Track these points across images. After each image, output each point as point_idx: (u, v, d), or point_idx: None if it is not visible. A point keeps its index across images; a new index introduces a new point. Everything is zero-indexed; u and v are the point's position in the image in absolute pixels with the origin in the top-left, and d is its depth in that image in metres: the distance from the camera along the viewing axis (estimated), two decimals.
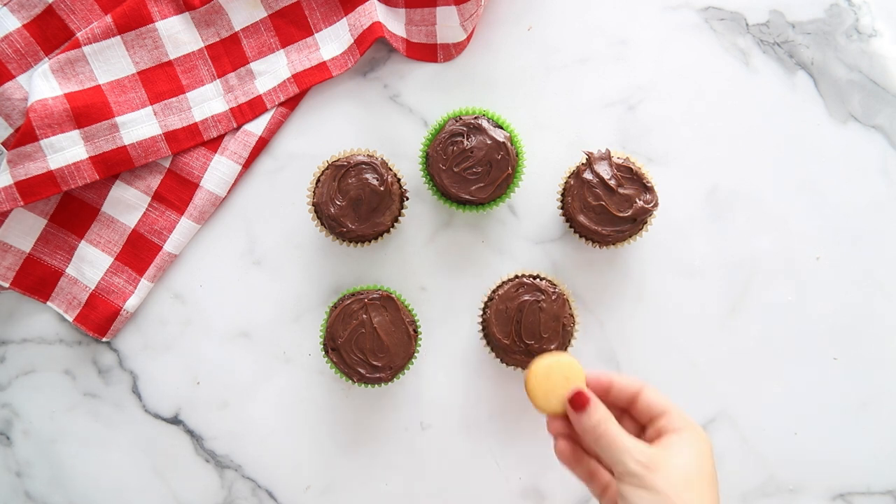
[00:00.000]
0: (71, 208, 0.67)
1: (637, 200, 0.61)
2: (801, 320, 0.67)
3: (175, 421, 0.68)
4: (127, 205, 0.67)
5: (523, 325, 0.61)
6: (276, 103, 0.67)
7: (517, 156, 0.62)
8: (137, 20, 0.65)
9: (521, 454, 0.67)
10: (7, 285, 0.66)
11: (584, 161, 0.62)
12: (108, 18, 0.65)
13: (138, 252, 0.67)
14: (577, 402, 0.50)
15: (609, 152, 0.62)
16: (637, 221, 0.61)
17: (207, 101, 0.67)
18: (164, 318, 0.68)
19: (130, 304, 0.67)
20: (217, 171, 0.67)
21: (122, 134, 0.65)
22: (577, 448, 0.53)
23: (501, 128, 0.62)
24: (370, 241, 0.64)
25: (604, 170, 0.61)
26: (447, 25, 0.66)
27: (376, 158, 0.62)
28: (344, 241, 0.63)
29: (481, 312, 0.64)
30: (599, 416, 0.49)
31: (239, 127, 0.68)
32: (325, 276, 0.68)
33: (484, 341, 0.64)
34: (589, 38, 0.68)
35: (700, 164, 0.68)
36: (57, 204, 0.67)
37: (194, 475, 0.68)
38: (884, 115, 0.68)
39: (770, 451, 0.67)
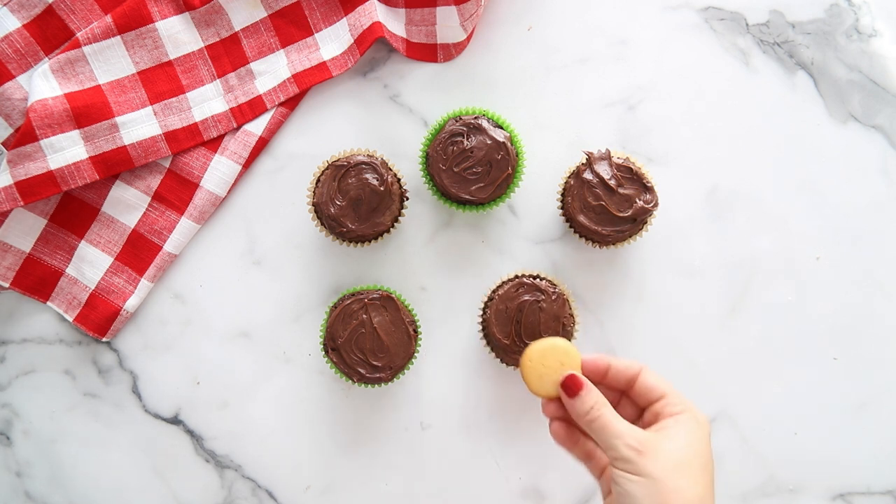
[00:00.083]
0: (71, 208, 0.67)
1: (637, 200, 0.61)
2: (801, 320, 0.67)
3: (175, 421, 0.68)
4: (127, 205, 0.67)
5: (523, 325, 0.61)
6: (276, 103, 0.67)
7: (517, 156, 0.62)
8: (137, 20, 0.65)
9: (521, 454, 0.67)
10: (7, 285, 0.66)
11: (584, 161, 0.62)
12: (108, 18, 0.65)
13: (138, 252, 0.67)
14: (570, 386, 0.51)
15: (609, 152, 0.62)
16: (637, 221, 0.61)
17: (207, 101, 0.67)
18: (164, 318, 0.68)
19: (130, 304, 0.67)
20: (217, 171, 0.67)
21: (122, 134, 0.65)
22: (573, 430, 0.54)
23: (501, 128, 0.62)
24: (370, 241, 0.64)
25: (604, 170, 0.61)
26: (447, 25, 0.66)
27: (376, 158, 0.62)
28: (344, 241, 0.63)
29: (481, 312, 0.64)
30: (592, 401, 0.50)
31: (239, 127, 0.68)
32: (325, 276, 0.68)
33: (484, 341, 0.64)
34: (589, 38, 0.68)
35: (700, 164, 0.68)
36: (57, 204, 0.67)
37: (194, 475, 0.68)
38: (884, 115, 0.68)
39: (770, 451, 0.67)
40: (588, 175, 0.62)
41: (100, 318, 0.67)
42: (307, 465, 0.68)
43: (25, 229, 0.66)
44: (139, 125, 0.66)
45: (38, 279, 0.67)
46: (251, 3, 0.66)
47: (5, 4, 0.64)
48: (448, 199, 0.64)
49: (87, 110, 0.64)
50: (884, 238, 0.68)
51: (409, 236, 0.68)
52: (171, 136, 0.66)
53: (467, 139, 0.61)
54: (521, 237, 0.68)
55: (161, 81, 0.66)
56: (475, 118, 0.62)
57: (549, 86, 0.68)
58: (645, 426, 0.50)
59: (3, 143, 0.65)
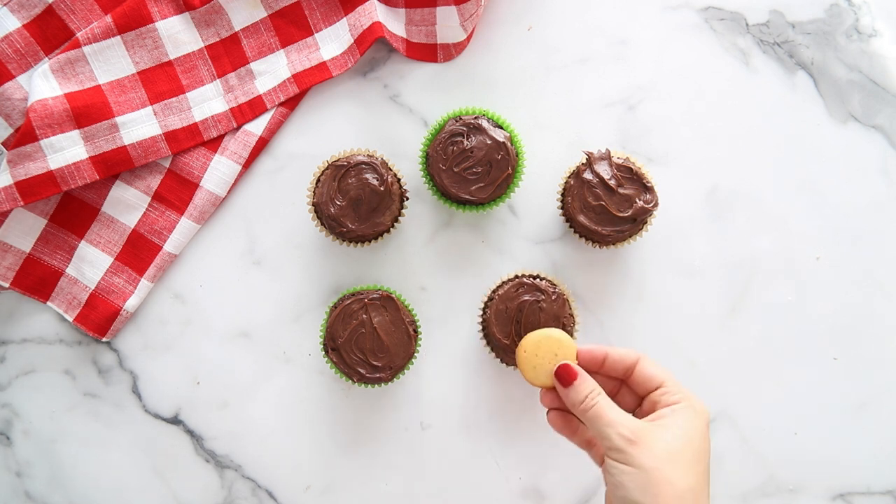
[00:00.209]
0: (71, 208, 0.67)
1: (637, 200, 0.61)
2: (801, 320, 0.67)
3: (175, 421, 0.68)
4: (127, 205, 0.67)
5: (523, 325, 0.61)
6: (276, 103, 0.67)
7: (517, 156, 0.62)
8: (137, 20, 0.65)
9: (521, 454, 0.67)
10: (7, 285, 0.66)
11: (584, 161, 0.62)
12: (108, 18, 0.65)
13: (138, 252, 0.67)
14: (564, 376, 0.51)
15: (609, 152, 0.62)
16: (637, 221, 0.61)
17: (207, 101, 0.67)
18: (164, 318, 0.68)
19: (130, 304, 0.67)
20: (217, 171, 0.67)
21: (122, 134, 0.65)
22: (571, 419, 0.54)
23: (501, 128, 0.62)
24: (370, 241, 0.64)
25: (604, 170, 0.61)
26: (447, 25, 0.66)
27: (376, 158, 0.62)
28: (344, 241, 0.63)
29: (481, 312, 0.64)
30: (587, 390, 0.50)
31: (239, 127, 0.68)
32: (325, 276, 0.68)
33: (484, 341, 0.64)
34: (589, 38, 0.68)
35: (700, 164, 0.68)
36: (57, 204, 0.67)
37: (194, 475, 0.68)
38: (884, 115, 0.68)
39: (770, 451, 0.67)
40: (588, 175, 0.62)
41: (100, 318, 0.67)
42: (307, 465, 0.68)
43: (25, 229, 0.66)
44: (139, 125, 0.66)
45: (38, 279, 0.67)
46: (251, 3, 0.66)
47: (5, 4, 0.64)
48: (448, 199, 0.64)
49: (87, 110, 0.64)
50: (884, 238, 0.68)
51: (409, 236, 0.68)
52: (171, 136, 0.66)
53: (467, 139, 0.61)
54: (521, 237, 0.68)
55: (161, 81, 0.66)
56: (475, 118, 0.62)
57: (549, 86, 0.68)
58: (643, 415, 0.50)
59: (3, 143, 0.65)
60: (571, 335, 0.62)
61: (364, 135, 0.68)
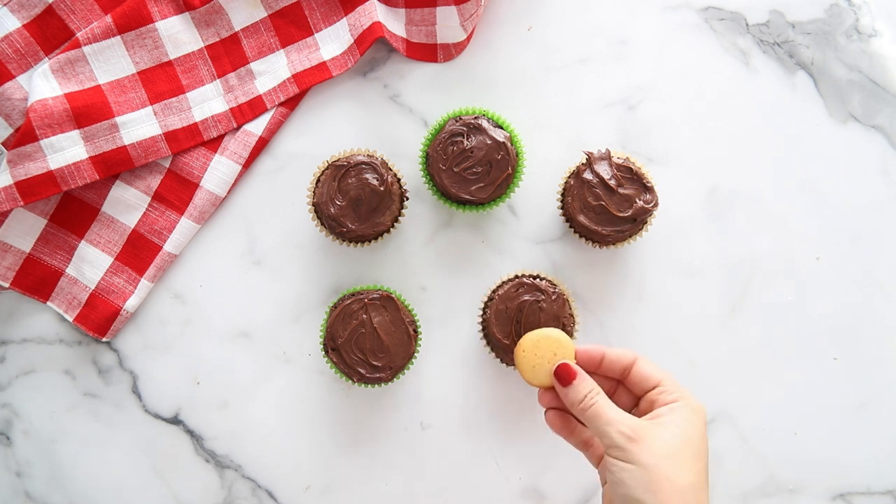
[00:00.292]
0: (71, 208, 0.67)
1: (637, 200, 0.61)
2: (801, 320, 0.67)
3: (175, 421, 0.68)
4: (127, 205, 0.67)
5: (523, 325, 0.61)
6: (276, 103, 0.67)
7: (517, 156, 0.62)
8: (137, 20, 0.65)
9: (521, 454, 0.67)
10: (7, 285, 0.66)
11: (584, 161, 0.62)
12: (108, 18, 0.65)
13: (138, 252, 0.67)
14: (563, 375, 0.51)
15: (609, 152, 0.62)
16: (637, 221, 0.61)
17: (207, 101, 0.67)
18: (164, 318, 0.68)
19: (130, 304, 0.67)
20: (217, 171, 0.67)
21: (122, 134, 0.65)
22: (569, 419, 0.54)
23: (501, 128, 0.62)
24: (370, 241, 0.64)
25: (604, 170, 0.61)
26: (447, 25, 0.66)
27: (376, 158, 0.62)
28: (344, 241, 0.63)
29: (481, 312, 0.64)
30: (586, 390, 0.50)
31: (239, 127, 0.68)
32: (325, 276, 0.68)
33: (484, 341, 0.64)
34: (589, 38, 0.68)
35: (700, 164, 0.68)
36: (57, 204, 0.67)
37: (194, 475, 0.68)
38: (884, 115, 0.68)
39: (770, 451, 0.67)
40: (588, 175, 0.62)
41: (100, 318, 0.67)
42: (307, 465, 0.68)
43: (25, 229, 0.66)
44: (139, 125, 0.66)
45: (38, 279, 0.67)
46: (251, 3, 0.66)
47: (5, 4, 0.64)
48: (448, 199, 0.64)
49: (87, 110, 0.64)
50: (884, 238, 0.68)
51: (409, 236, 0.68)
52: (171, 136, 0.66)
53: (467, 139, 0.61)
54: (521, 237, 0.68)
55: (161, 81, 0.66)
56: (475, 118, 0.62)
57: (549, 86, 0.68)
58: (640, 414, 0.50)
59: (3, 143, 0.65)
60: (571, 335, 0.62)
61: (364, 135, 0.68)
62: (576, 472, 0.67)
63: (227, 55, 0.67)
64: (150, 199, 0.67)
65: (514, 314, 0.61)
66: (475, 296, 0.67)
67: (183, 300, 0.68)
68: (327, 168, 0.62)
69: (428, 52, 0.68)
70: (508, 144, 0.61)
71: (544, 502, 0.67)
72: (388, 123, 0.68)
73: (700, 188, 0.68)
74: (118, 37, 0.65)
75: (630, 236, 0.63)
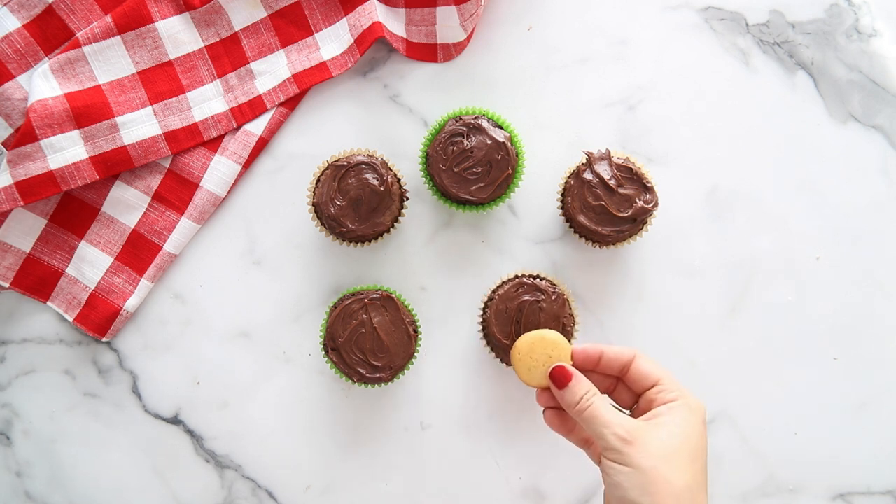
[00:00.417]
0: (71, 208, 0.67)
1: (637, 200, 0.61)
2: (801, 320, 0.67)
3: (175, 421, 0.68)
4: (127, 205, 0.67)
5: (523, 325, 0.61)
6: (276, 103, 0.67)
7: (517, 156, 0.62)
8: (137, 20, 0.65)
9: (521, 454, 0.67)
10: (7, 285, 0.66)
11: (584, 161, 0.62)
12: (108, 18, 0.65)
13: (138, 252, 0.67)
14: (559, 378, 0.51)
15: (609, 152, 0.62)
16: (637, 221, 0.61)
17: (207, 101, 0.67)
18: (164, 318, 0.68)
19: (130, 304, 0.67)
20: (217, 171, 0.67)
21: (122, 134, 0.65)
22: (568, 417, 0.54)
23: (501, 128, 0.62)
24: (370, 241, 0.64)
25: (604, 170, 0.61)
26: (447, 25, 0.66)
27: (376, 158, 0.62)
28: (344, 241, 0.63)
29: (481, 312, 0.64)
30: (582, 391, 0.50)
31: (239, 127, 0.68)
32: (325, 276, 0.68)
33: (484, 341, 0.64)
34: (589, 38, 0.68)
35: (700, 164, 0.68)
36: (57, 204, 0.67)
37: (194, 475, 0.68)
38: (884, 115, 0.68)
39: (770, 451, 0.67)
40: (588, 175, 0.62)
41: (100, 318, 0.67)
42: (307, 465, 0.68)
43: (25, 229, 0.66)
44: (139, 125, 0.66)
45: (38, 279, 0.67)
46: (251, 3, 0.66)
47: (5, 4, 0.64)
48: (448, 199, 0.64)
49: (87, 110, 0.64)
50: (884, 238, 0.68)
51: (409, 236, 0.68)
52: (171, 136, 0.66)
53: (467, 139, 0.61)
54: (521, 237, 0.68)
55: (161, 81, 0.66)
56: (475, 118, 0.62)
57: (549, 86, 0.68)
58: (640, 413, 0.50)
59: (3, 143, 0.65)
60: (571, 335, 0.62)
61: (364, 135, 0.68)
62: (576, 472, 0.67)
63: (227, 55, 0.67)
64: (150, 199, 0.67)
65: (514, 314, 0.61)
66: (475, 296, 0.67)
67: (183, 300, 0.68)
68: (327, 168, 0.62)
69: (428, 52, 0.68)
70: (508, 144, 0.61)
71: (544, 502, 0.67)
72: (388, 123, 0.68)
73: (700, 188, 0.68)
74: (118, 37, 0.65)
75: (630, 236, 0.63)
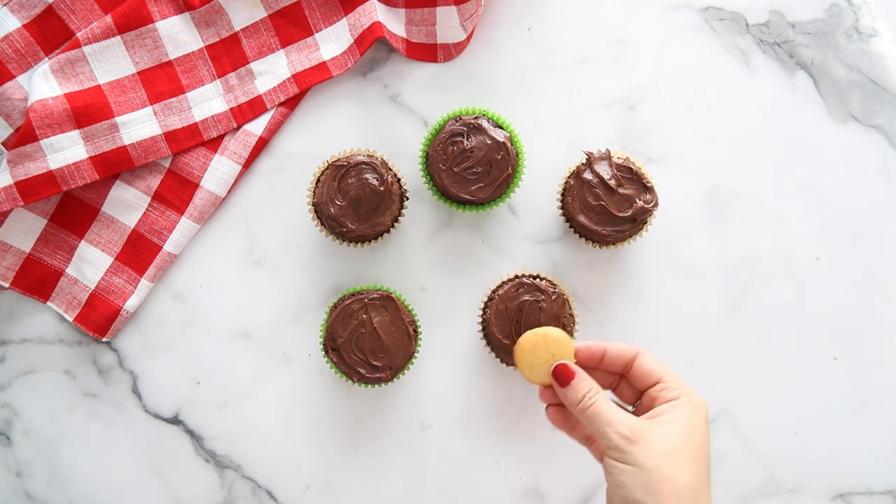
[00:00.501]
0: (71, 208, 0.67)
1: (637, 200, 0.61)
2: (801, 320, 0.67)
3: (175, 421, 0.68)
4: (127, 205, 0.67)
5: (523, 325, 0.61)
6: (276, 103, 0.67)
7: (517, 156, 0.62)
8: (137, 20, 0.65)
9: (521, 454, 0.67)
10: (7, 285, 0.66)
11: (584, 161, 0.62)
12: (108, 18, 0.65)
13: (138, 252, 0.67)
14: (561, 376, 0.51)
15: (609, 152, 0.62)
16: (637, 221, 0.61)
17: (207, 101, 0.67)
18: (164, 318, 0.68)
19: (130, 304, 0.67)
20: (217, 171, 0.67)
21: (122, 134, 0.65)
22: (570, 414, 0.54)
23: (501, 128, 0.62)
24: (370, 241, 0.64)
25: (604, 170, 0.61)
26: (447, 25, 0.66)
27: (376, 158, 0.62)
28: (344, 241, 0.63)
29: (481, 312, 0.64)
30: (585, 390, 0.50)
31: (239, 127, 0.68)
32: (325, 276, 0.68)
33: (484, 341, 0.64)
34: (589, 38, 0.68)
35: (700, 164, 0.68)
36: (57, 204, 0.67)
37: (194, 475, 0.68)
38: (884, 115, 0.68)
39: (770, 451, 0.67)
40: (588, 175, 0.62)
41: (100, 318, 0.67)
42: (307, 465, 0.68)
43: (25, 229, 0.66)
44: (139, 125, 0.66)
45: (38, 279, 0.67)
46: (251, 3, 0.66)
47: (5, 4, 0.64)
48: (448, 199, 0.64)
49: (87, 110, 0.64)
50: (884, 238, 0.68)
51: (409, 236, 0.68)
52: (171, 136, 0.66)
53: (467, 139, 0.61)
54: (521, 237, 0.68)
55: (161, 81, 0.66)
56: (475, 118, 0.62)
57: (549, 86, 0.68)
58: (643, 410, 0.50)
59: (3, 143, 0.65)
60: (571, 335, 0.62)
61: (364, 135, 0.68)
62: (576, 472, 0.67)
63: (227, 55, 0.67)
64: (150, 199, 0.67)
65: (514, 314, 0.61)
66: (475, 296, 0.67)
67: (183, 300, 0.68)
68: (327, 168, 0.62)
69: (428, 52, 0.68)
70: (508, 144, 0.61)
71: (544, 502, 0.67)
72: (388, 123, 0.68)
73: (700, 188, 0.68)
74: (118, 37, 0.65)
75: (630, 236, 0.63)
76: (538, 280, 0.62)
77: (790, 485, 0.67)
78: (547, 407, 0.55)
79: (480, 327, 0.64)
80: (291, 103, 0.68)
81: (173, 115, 0.66)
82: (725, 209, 0.68)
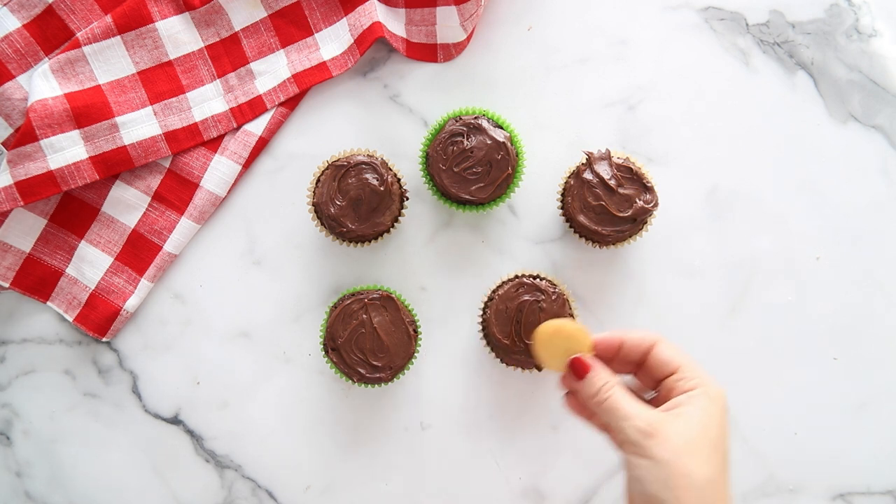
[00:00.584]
0: (71, 208, 0.67)
1: (637, 200, 0.61)
2: (801, 320, 0.67)
3: (175, 421, 0.68)
4: (127, 205, 0.67)
5: (523, 325, 0.61)
6: (276, 103, 0.67)
7: (517, 156, 0.62)
8: (137, 20, 0.65)
9: (521, 454, 0.67)
10: (7, 285, 0.66)
11: (584, 161, 0.62)
12: (108, 18, 0.65)
13: (138, 252, 0.67)
14: (577, 369, 0.50)
15: (609, 152, 0.62)
16: (637, 221, 0.61)
17: (207, 101, 0.67)
18: (164, 318, 0.68)
19: (130, 304, 0.67)
20: (217, 171, 0.67)
21: (122, 134, 0.65)
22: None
23: (501, 128, 0.62)
24: (370, 241, 0.64)
25: (604, 170, 0.61)
26: (447, 25, 0.66)
27: (376, 158, 0.62)
28: (344, 241, 0.63)
29: (481, 312, 0.64)
30: (601, 383, 0.49)
31: (239, 127, 0.68)
32: (325, 276, 0.68)
33: (484, 341, 0.64)
34: (589, 38, 0.68)
35: (700, 164, 0.68)
36: (57, 204, 0.67)
37: (194, 475, 0.68)
38: (884, 115, 0.68)
39: (770, 451, 0.67)
40: (588, 175, 0.62)
41: (100, 318, 0.67)
42: (307, 465, 0.68)
43: (25, 229, 0.66)
44: (139, 125, 0.66)
45: (38, 279, 0.67)
46: (251, 3, 0.66)
47: (5, 4, 0.64)
48: (448, 199, 0.64)
49: (87, 110, 0.64)
50: (884, 238, 0.68)
51: (409, 236, 0.68)
52: (171, 136, 0.66)
53: (467, 139, 0.61)
54: (521, 237, 0.68)
55: (161, 81, 0.66)
56: (475, 118, 0.62)
57: (549, 86, 0.68)
58: (660, 401, 0.49)
59: (3, 143, 0.65)
60: None
61: (364, 135, 0.68)
62: (576, 472, 0.67)
63: (227, 55, 0.67)
64: (150, 199, 0.67)
65: (514, 314, 0.61)
66: (475, 296, 0.67)
67: (183, 300, 0.68)
68: (327, 168, 0.62)
69: (428, 52, 0.68)
70: (508, 144, 0.61)
71: (544, 502, 0.67)
72: (388, 123, 0.68)
73: (700, 188, 0.68)
74: (118, 37, 0.65)
75: (630, 236, 0.63)
76: (538, 280, 0.62)
77: (790, 485, 0.67)
78: (566, 394, 0.54)
79: (480, 327, 0.64)
80: (291, 103, 0.68)
81: (173, 115, 0.66)
82: (725, 209, 0.68)
